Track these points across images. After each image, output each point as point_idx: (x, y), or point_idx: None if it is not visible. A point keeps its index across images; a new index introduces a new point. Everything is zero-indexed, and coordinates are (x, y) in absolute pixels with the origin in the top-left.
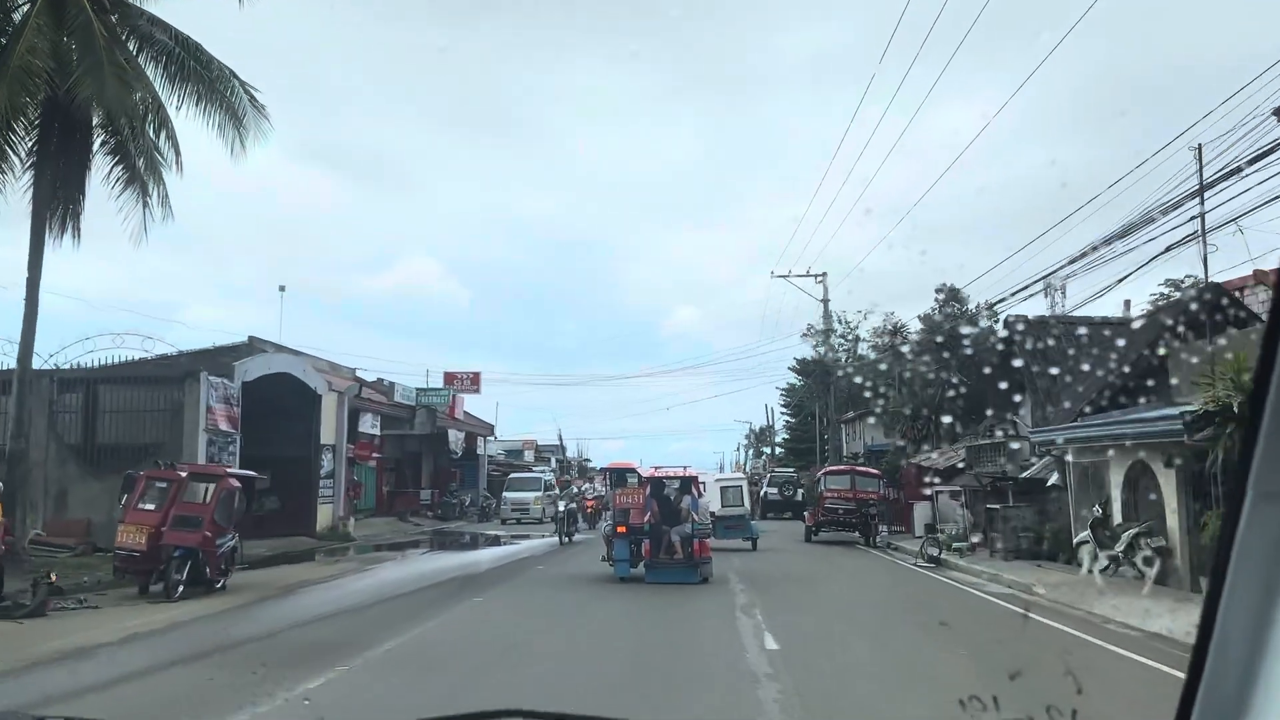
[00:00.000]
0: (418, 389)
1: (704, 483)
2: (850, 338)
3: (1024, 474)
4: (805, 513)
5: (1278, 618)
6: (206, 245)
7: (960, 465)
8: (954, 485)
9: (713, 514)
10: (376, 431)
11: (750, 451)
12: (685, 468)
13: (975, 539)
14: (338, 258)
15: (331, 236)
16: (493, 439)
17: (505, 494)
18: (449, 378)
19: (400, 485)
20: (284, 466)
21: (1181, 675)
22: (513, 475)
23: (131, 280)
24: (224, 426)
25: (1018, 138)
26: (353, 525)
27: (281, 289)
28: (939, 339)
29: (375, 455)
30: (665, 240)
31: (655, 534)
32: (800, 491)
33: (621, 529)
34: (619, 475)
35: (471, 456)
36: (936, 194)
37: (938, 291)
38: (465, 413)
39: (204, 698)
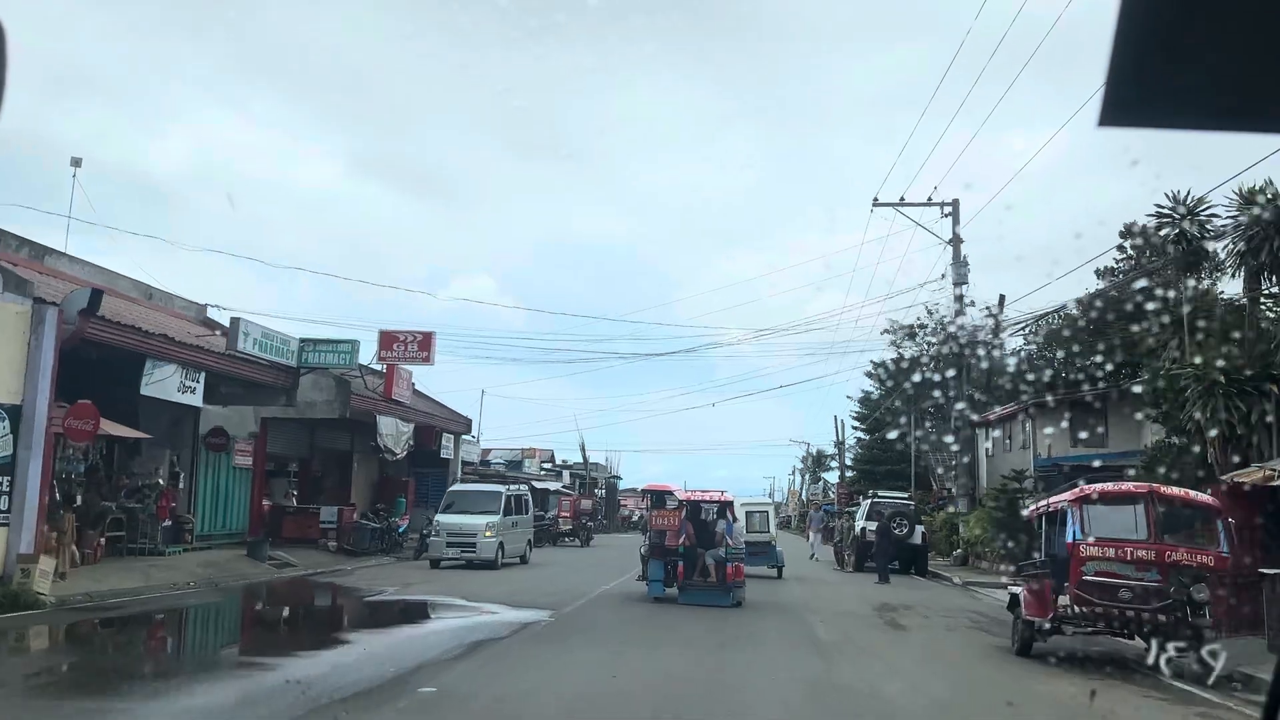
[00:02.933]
0: (302, 340)
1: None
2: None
3: None
4: (1021, 587)
5: None
6: None
7: None
8: None
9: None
10: (198, 402)
11: (807, 476)
12: (722, 492)
13: None
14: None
15: (391, 251)
16: (469, 439)
17: (439, 518)
18: (388, 339)
19: (309, 498)
20: None
21: None
22: (455, 487)
23: None
24: None
25: None
26: (51, 571)
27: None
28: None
29: (239, 449)
30: (719, 264)
31: (690, 556)
32: (918, 530)
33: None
34: (658, 497)
35: (436, 462)
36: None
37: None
38: (418, 394)
39: None
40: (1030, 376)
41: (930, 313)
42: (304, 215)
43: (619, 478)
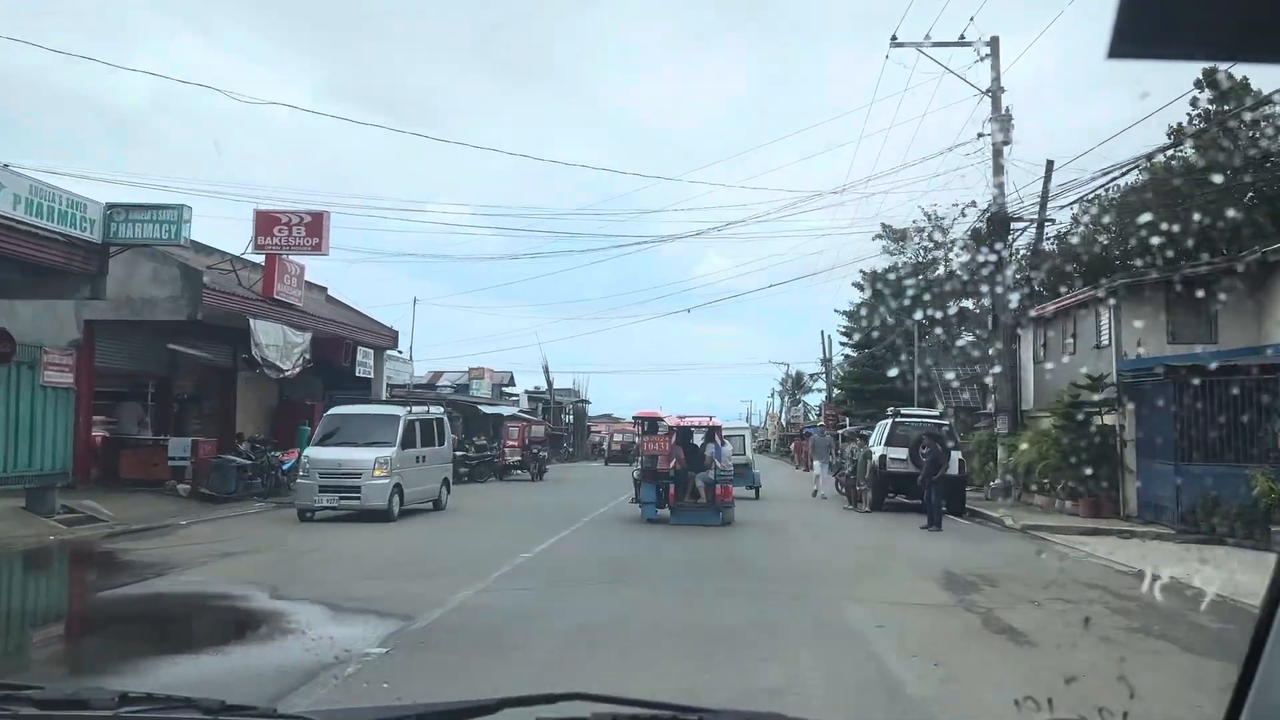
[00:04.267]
0: (110, 206)
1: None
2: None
3: None
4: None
5: None
6: None
7: None
8: None
9: None
10: None
11: (786, 399)
12: (710, 417)
13: None
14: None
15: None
16: (397, 356)
17: (310, 452)
18: (266, 222)
19: (176, 427)
20: None
21: None
22: (334, 410)
23: None
24: None
25: None
26: None
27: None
28: None
29: (52, 362)
30: (699, 188)
31: (680, 479)
32: (954, 457)
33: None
34: (650, 423)
35: (354, 384)
36: None
37: None
38: (333, 301)
39: None
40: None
41: (929, 216)
42: (275, 144)
43: (587, 402)
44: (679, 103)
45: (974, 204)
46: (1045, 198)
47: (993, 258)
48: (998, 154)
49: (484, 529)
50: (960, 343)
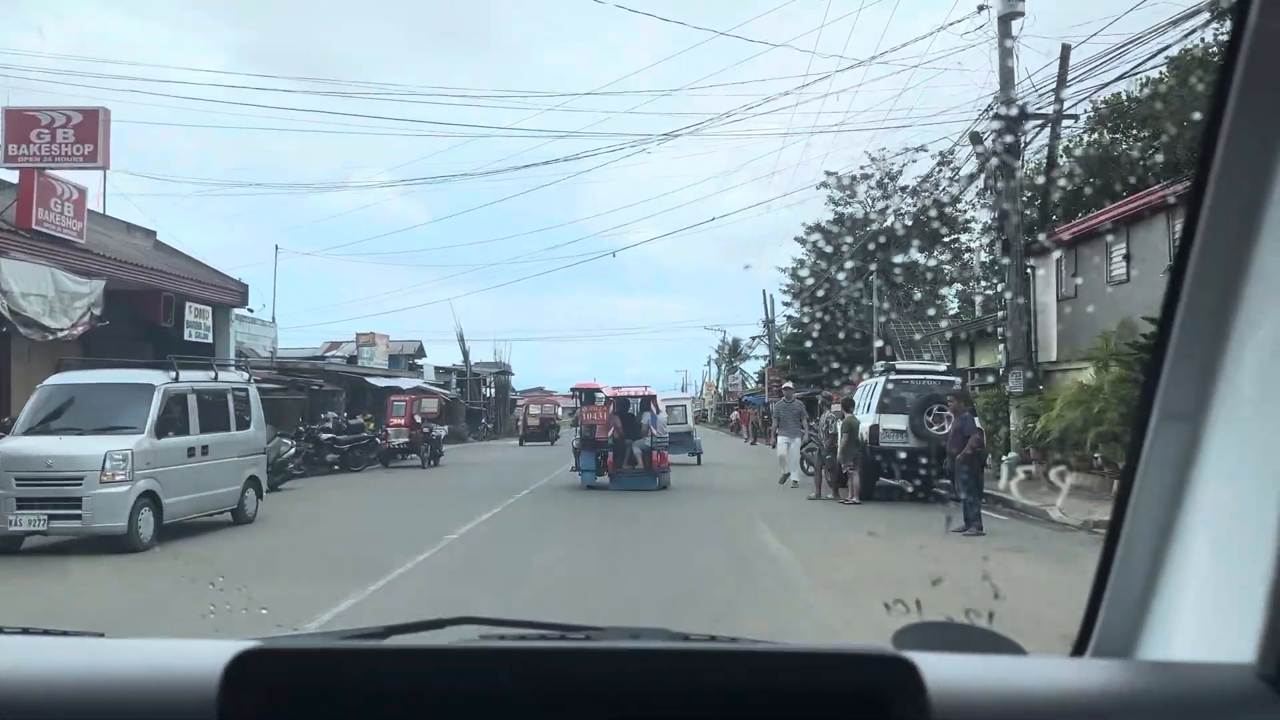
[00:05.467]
0: None
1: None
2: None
3: None
4: None
5: (1177, 527)
6: None
7: None
8: None
9: None
10: None
11: (724, 366)
12: (645, 387)
13: None
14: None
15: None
16: (247, 316)
17: (6, 444)
18: (19, 124)
19: None
20: None
21: None
22: (53, 380)
23: None
24: None
25: None
26: None
27: None
28: None
29: None
30: (630, 156)
31: (619, 447)
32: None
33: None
34: (588, 395)
35: (191, 350)
36: None
37: None
38: (159, 247)
39: None
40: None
41: (874, 159)
42: (187, 115)
43: (510, 373)
44: (608, 65)
45: (923, 148)
46: (1063, 83)
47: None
48: (1004, 27)
49: (298, 556)
50: (924, 290)
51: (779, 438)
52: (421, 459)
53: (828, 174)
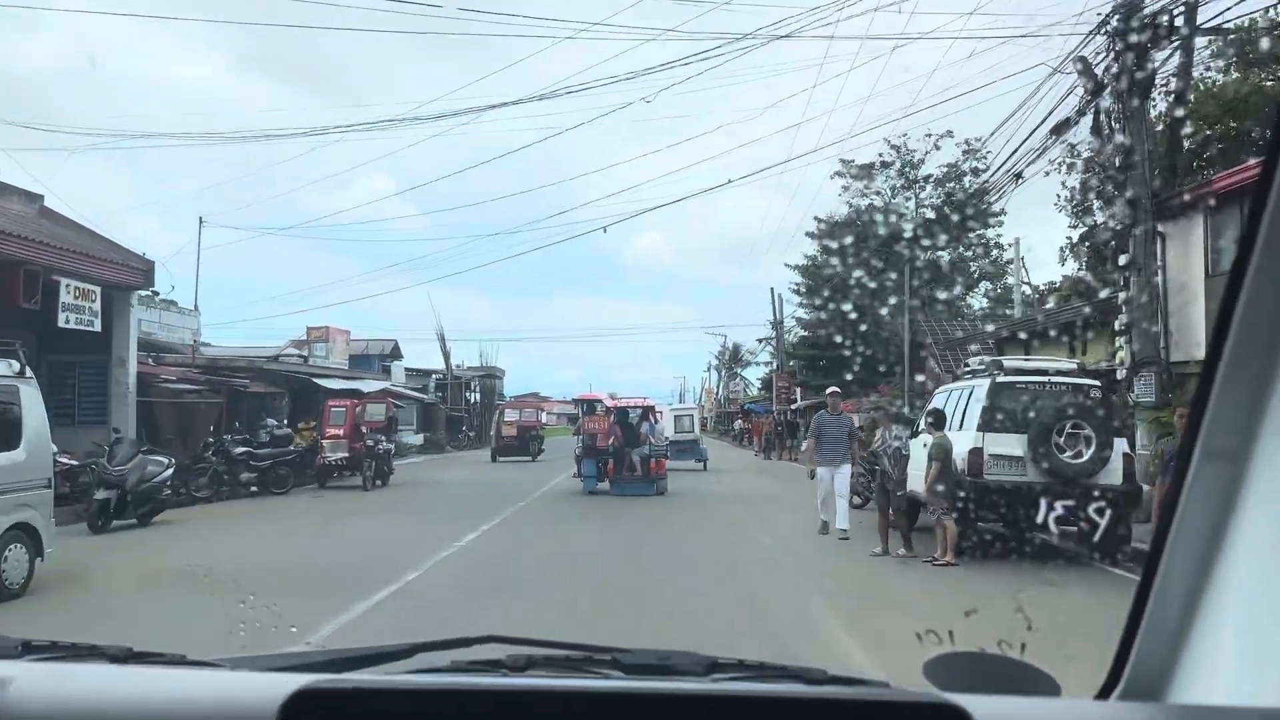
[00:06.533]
0: None
1: (660, 412)
2: None
3: None
4: None
5: (1215, 568)
6: None
7: None
8: None
9: (668, 439)
10: None
11: (724, 372)
12: (644, 399)
13: None
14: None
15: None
16: (155, 299)
17: None
18: None
19: None
20: None
21: None
22: None
23: None
24: None
25: None
26: None
27: None
28: None
29: None
30: (627, 159)
31: (619, 455)
32: (1117, 448)
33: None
34: (589, 405)
35: (74, 345)
36: None
37: None
38: (38, 209)
39: None
40: None
41: (895, 148)
42: (183, 116)
43: (497, 376)
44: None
45: (949, 133)
46: None
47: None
48: None
49: None
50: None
51: (819, 468)
52: (364, 479)
53: (843, 162)
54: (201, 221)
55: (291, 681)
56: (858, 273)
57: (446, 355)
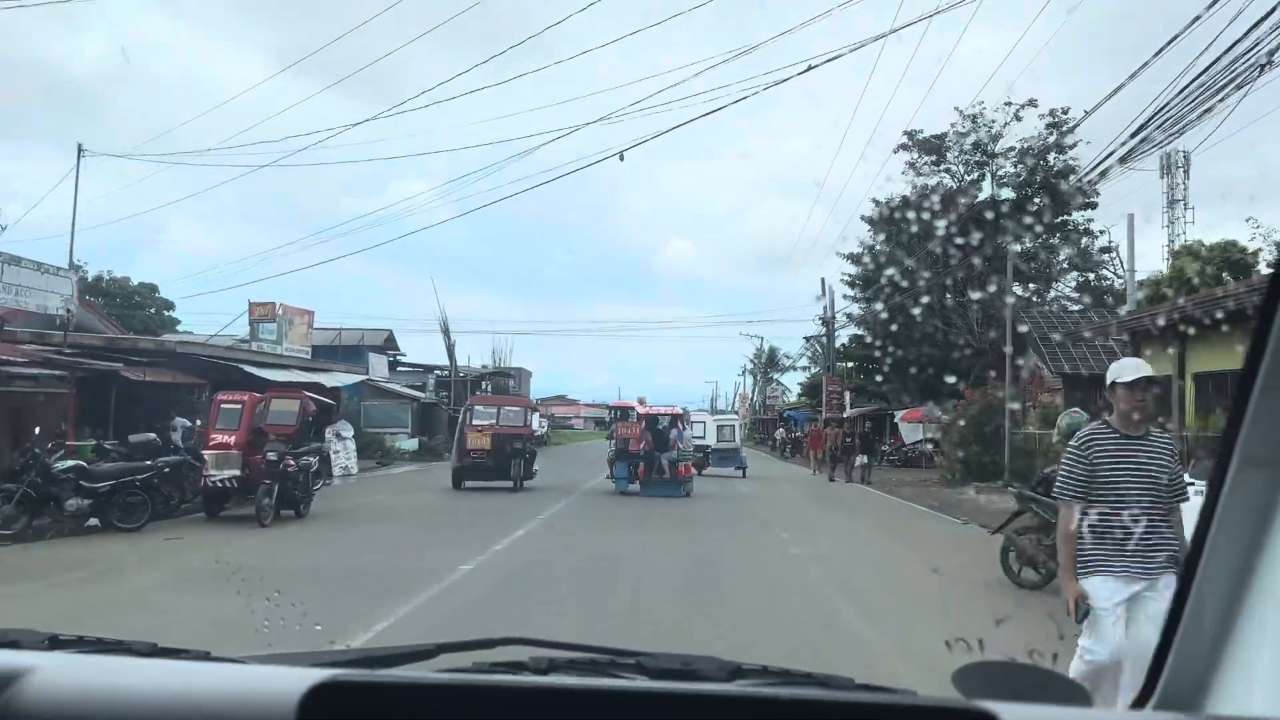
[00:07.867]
0: None
1: (693, 421)
2: None
3: None
4: None
5: (1254, 577)
6: None
7: None
8: None
9: (709, 447)
10: None
11: (759, 376)
12: (672, 406)
13: None
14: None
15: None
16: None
17: None
18: None
19: None
20: None
21: None
22: None
23: None
24: None
25: None
26: None
27: None
28: None
29: None
30: (664, 168)
31: (649, 458)
32: None
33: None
34: (622, 412)
35: None
36: None
37: None
38: None
39: None
40: None
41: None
42: (228, 118)
43: (508, 376)
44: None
45: (1033, 102)
46: None
47: None
48: None
49: None
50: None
51: (1102, 584)
52: (258, 509)
53: (908, 135)
54: (81, 150)
55: (311, 676)
56: (926, 257)
57: (450, 349)
